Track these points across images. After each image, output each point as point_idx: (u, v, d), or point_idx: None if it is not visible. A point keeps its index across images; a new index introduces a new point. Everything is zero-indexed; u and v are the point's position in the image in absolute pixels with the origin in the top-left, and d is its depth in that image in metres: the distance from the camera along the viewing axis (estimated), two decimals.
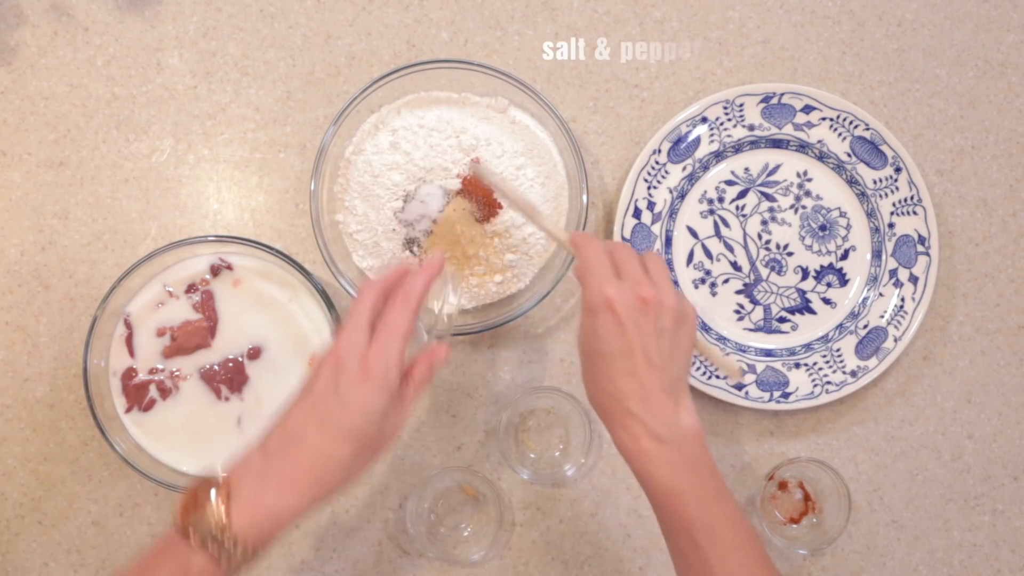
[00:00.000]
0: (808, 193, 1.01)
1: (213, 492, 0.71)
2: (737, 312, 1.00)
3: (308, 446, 0.73)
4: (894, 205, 1.00)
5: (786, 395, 0.98)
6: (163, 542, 0.72)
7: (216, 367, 0.94)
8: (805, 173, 1.01)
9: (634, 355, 0.76)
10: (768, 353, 1.00)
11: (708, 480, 0.76)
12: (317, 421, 0.73)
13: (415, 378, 0.78)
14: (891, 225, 1.00)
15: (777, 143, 1.01)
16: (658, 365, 0.77)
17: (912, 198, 1.00)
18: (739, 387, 0.98)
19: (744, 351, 1.00)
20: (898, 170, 0.99)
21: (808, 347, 1.00)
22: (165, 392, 0.93)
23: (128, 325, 0.93)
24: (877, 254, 1.01)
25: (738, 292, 1.00)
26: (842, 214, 1.01)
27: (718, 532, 0.75)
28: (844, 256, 1.01)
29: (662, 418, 0.76)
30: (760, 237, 1.01)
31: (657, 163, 0.99)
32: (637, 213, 0.99)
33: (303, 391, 0.75)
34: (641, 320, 0.77)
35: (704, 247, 1.00)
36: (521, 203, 0.88)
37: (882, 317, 1.00)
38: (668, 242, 1.00)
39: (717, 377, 0.98)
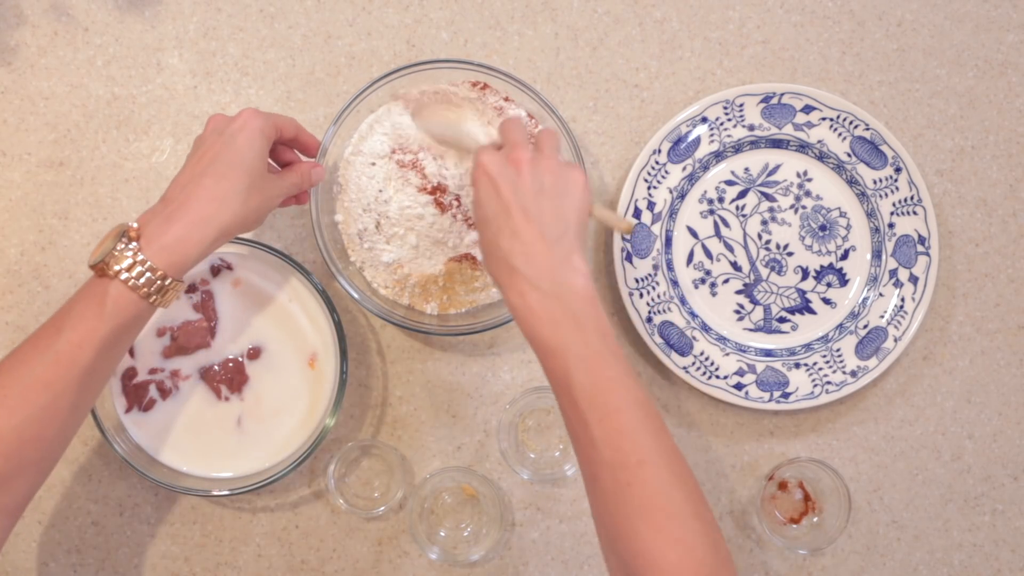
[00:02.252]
0: (808, 193, 1.01)
1: (123, 233, 0.77)
2: (737, 312, 1.00)
3: (205, 184, 0.79)
4: (894, 205, 1.00)
5: (786, 395, 0.98)
6: (81, 287, 0.78)
7: (216, 367, 0.94)
8: (805, 173, 1.01)
9: (511, 213, 0.77)
10: (768, 353, 1.00)
11: (594, 339, 0.75)
12: (209, 162, 0.80)
13: (293, 168, 0.87)
14: (891, 225, 1.00)
15: (777, 143, 1.01)
16: (537, 220, 0.77)
17: (912, 198, 1.00)
18: (739, 387, 0.98)
19: (744, 351, 1.00)
20: (898, 170, 0.99)
21: (808, 347, 1.00)
22: (165, 392, 0.93)
23: None
24: (877, 254, 1.01)
25: (738, 292, 1.00)
26: (842, 214, 1.01)
27: (598, 393, 0.73)
28: (844, 256, 1.01)
29: (544, 271, 0.76)
30: (760, 237, 1.01)
31: (657, 163, 0.99)
32: (637, 213, 0.99)
33: (191, 153, 0.83)
34: (516, 179, 0.79)
35: (704, 247, 1.00)
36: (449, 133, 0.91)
37: (882, 317, 1.00)
38: (668, 242, 1.00)
39: (717, 377, 0.98)
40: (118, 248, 0.76)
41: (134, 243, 0.76)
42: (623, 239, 0.98)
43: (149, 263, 0.76)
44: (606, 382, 0.74)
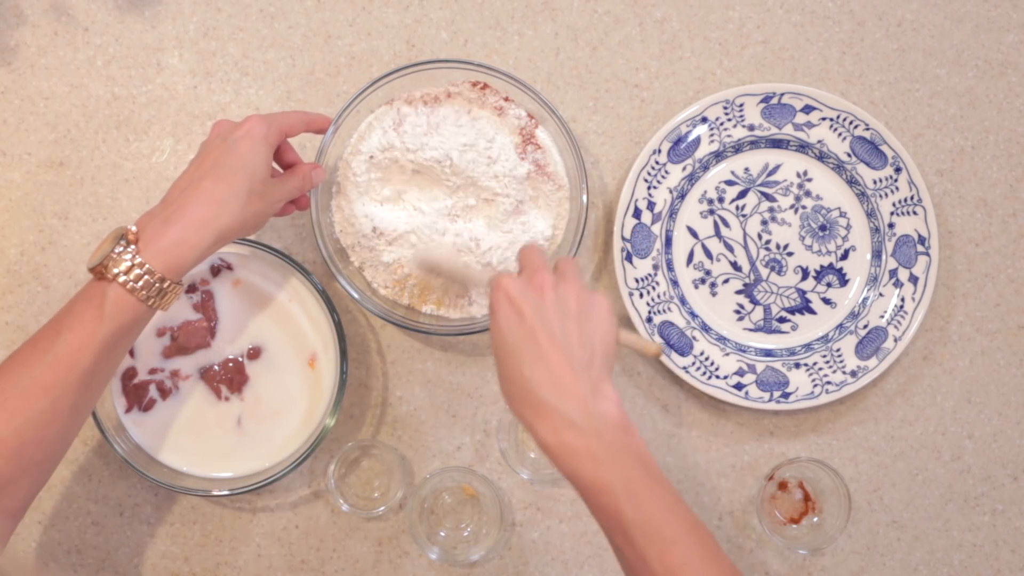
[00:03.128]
0: (808, 193, 1.01)
1: (122, 236, 0.77)
2: (737, 312, 1.00)
3: (204, 187, 0.79)
4: (894, 205, 1.00)
5: (786, 395, 0.98)
6: (80, 290, 0.78)
7: (216, 367, 0.94)
8: (805, 173, 1.01)
9: (536, 338, 0.73)
10: (768, 353, 1.00)
11: (636, 470, 0.72)
12: (210, 166, 0.80)
13: (294, 171, 0.87)
14: (891, 225, 1.00)
15: (777, 143, 1.01)
16: (564, 346, 0.73)
17: (912, 198, 1.00)
18: (739, 387, 0.98)
19: (744, 351, 1.00)
20: (898, 170, 0.99)
21: (808, 347, 1.00)
22: (165, 392, 0.93)
23: None
24: (877, 254, 1.01)
25: (738, 292, 1.00)
26: (842, 214, 1.01)
27: (653, 526, 0.70)
28: (844, 256, 1.01)
29: (576, 403, 0.72)
30: (760, 237, 1.01)
31: (657, 163, 0.99)
32: (637, 213, 0.99)
33: (194, 157, 0.83)
34: (539, 303, 0.75)
35: (704, 247, 1.00)
36: (458, 275, 0.90)
37: (882, 317, 1.00)
38: (668, 242, 1.00)
39: (717, 377, 0.98)
40: (116, 251, 0.76)
41: (132, 246, 0.76)
42: (623, 239, 0.98)
43: (147, 266, 0.76)
44: (659, 513, 0.71)
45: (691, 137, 1.00)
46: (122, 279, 0.76)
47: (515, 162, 0.94)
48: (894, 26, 1.04)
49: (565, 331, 0.74)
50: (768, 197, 1.01)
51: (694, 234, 1.01)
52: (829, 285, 1.01)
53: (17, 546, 0.96)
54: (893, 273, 1.00)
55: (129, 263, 0.76)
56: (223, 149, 0.81)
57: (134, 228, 0.78)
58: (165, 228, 0.77)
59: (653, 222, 1.00)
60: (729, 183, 1.01)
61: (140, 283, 0.76)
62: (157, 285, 0.76)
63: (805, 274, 1.01)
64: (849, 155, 1.00)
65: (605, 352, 0.75)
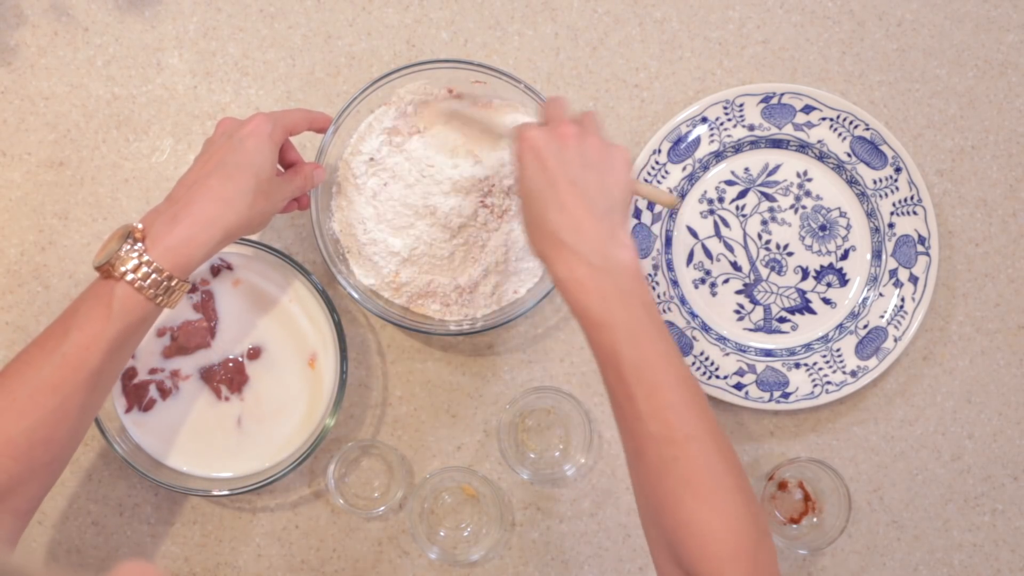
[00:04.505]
0: (808, 193, 1.01)
1: (128, 234, 0.76)
2: (737, 312, 1.00)
3: (211, 185, 0.79)
4: (894, 205, 1.00)
5: (786, 395, 0.98)
6: (87, 289, 0.78)
7: (216, 367, 0.94)
8: (805, 173, 1.01)
9: (559, 186, 0.77)
10: (768, 353, 1.00)
11: (641, 314, 0.75)
12: (216, 164, 0.80)
13: (297, 170, 0.87)
14: (891, 225, 1.00)
15: (777, 143, 1.01)
16: (584, 193, 0.77)
17: (912, 198, 1.00)
18: (739, 387, 0.98)
19: (744, 351, 1.00)
20: (898, 170, 0.99)
21: (808, 347, 1.00)
22: (165, 392, 0.93)
23: None
24: (877, 254, 1.01)
25: (738, 292, 1.00)
26: (842, 214, 1.01)
27: (646, 368, 0.74)
28: (844, 256, 1.01)
29: (594, 245, 0.76)
30: (760, 237, 1.01)
31: (657, 163, 0.99)
32: (637, 213, 0.99)
33: (199, 155, 0.83)
34: (562, 153, 0.78)
35: (704, 247, 1.01)
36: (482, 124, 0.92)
37: (882, 317, 1.00)
38: (668, 242, 1.00)
39: (717, 377, 0.98)
40: (123, 249, 0.76)
41: (139, 244, 0.76)
42: None
43: (155, 264, 0.76)
44: (654, 357, 0.74)
45: (691, 137, 1.00)
46: (130, 277, 0.75)
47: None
48: (894, 26, 1.04)
49: (586, 180, 0.77)
50: (768, 197, 1.01)
51: (694, 234, 1.01)
52: (829, 285, 1.01)
53: (17, 546, 0.96)
54: (893, 273, 1.00)
55: (136, 261, 0.76)
56: (229, 147, 0.81)
57: (140, 226, 0.78)
58: (172, 226, 0.77)
59: (653, 222, 1.00)
60: (729, 183, 1.01)
61: (148, 281, 0.76)
62: (165, 283, 0.76)
63: (805, 274, 1.01)
64: (849, 155, 1.00)
65: (624, 201, 0.79)
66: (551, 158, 0.78)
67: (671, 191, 0.99)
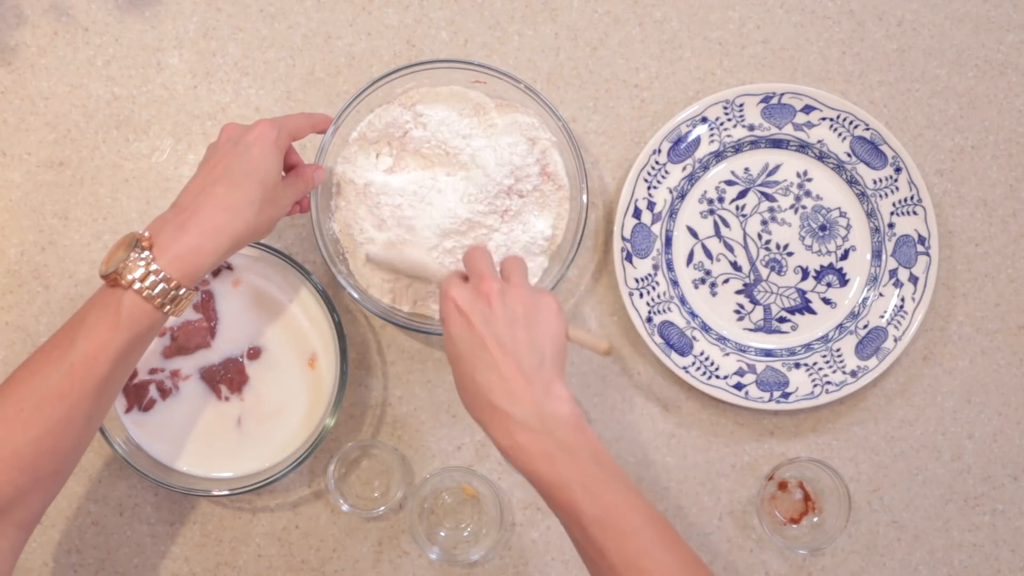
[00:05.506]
0: (808, 193, 1.01)
1: (135, 242, 0.76)
2: (737, 312, 1.00)
3: (217, 193, 0.79)
4: (894, 205, 1.00)
5: (786, 395, 0.98)
6: (93, 297, 0.77)
7: (216, 367, 0.94)
8: (805, 173, 1.01)
9: (487, 347, 0.76)
10: (768, 353, 1.00)
11: (591, 465, 0.73)
12: (222, 171, 0.80)
13: (298, 173, 0.87)
14: (891, 225, 1.00)
15: (777, 143, 1.01)
16: (513, 353, 0.75)
17: (912, 198, 1.00)
18: (739, 387, 0.98)
19: (744, 351, 1.00)
20: (898, 170, 0.99)
21: (808, 347, 1.00)
22: (165, 392, 0.93)
23: None
24: (877, 254, 1.01)
25: (738, 292, 1.00)
26: (842, 214, 1.01)
27: (610, 519, 0.72)
28: (844, 256, 1.01)
29: (528, 406, 0.74)
30: (760, 237, 1.01)
31: (657, 163, 0.99)
32: (637, 213, 0.99)
33: (204, 161, 0.83)
34: (487, 312, 0.77)
35: (704, 247, 1.00)
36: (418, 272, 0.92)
37: (882, 317, 1.00)
38: (668, 242, 1.00)
39: (717, 377, 0.98)
40: (131, 258, 0.75)
41: (147, 252, 0.76)
42: (623, 239, 0.98)
43: (163, 273, 0.75)
44: (614, 507, 0.72)
45: (691, 137, 1.00)
46: (137, 286, 0.75)
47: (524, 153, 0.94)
48: (894, 26, 1.04)
49: (514, 337, 0.76)
50: (768, 197, 1.01)
51: (694, 234, 1.01)
52: (829, 285, 1.01)
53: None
54: (893, 273, 1.00)
55: (144, 270, 0.75)
56: (235, 154, 0.81)
57: (147, 233, 0.77)
58: (180, 235, 0.77)
59: (653, 222, 1.00)
60: (729, 183, 1.01)
61: (156, 290, 0.75)
62: (173, 292, 0.76)
63: (805, 274, 1.01)
64: (849, 155, 1.00)
65: (555, 352, 0.78)
66: (476, 318, 0.76)
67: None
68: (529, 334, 0.77)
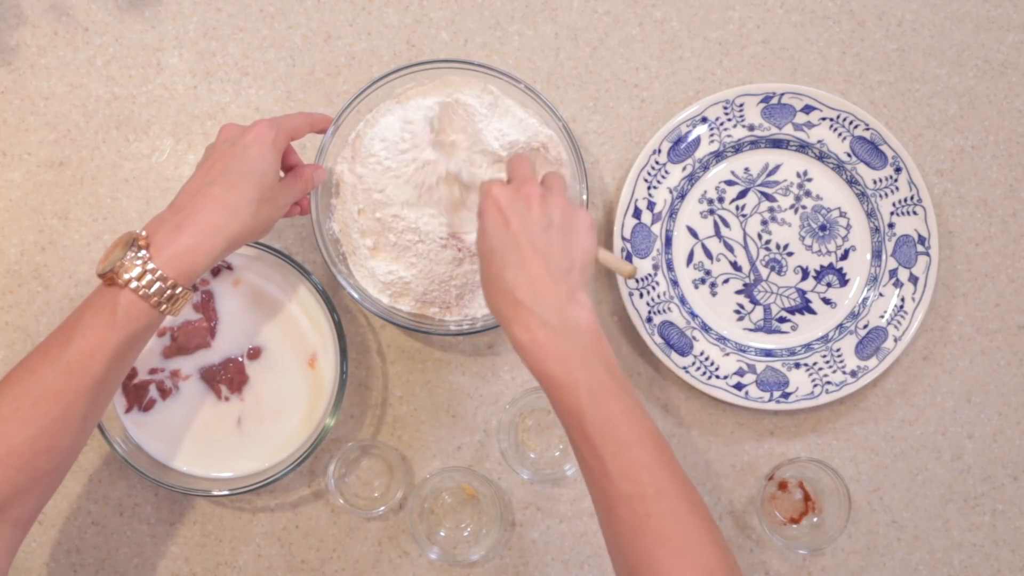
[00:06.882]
0: (808, 193, 1.01)
1: (132, 241, 0.76)
2: (737, 312, 1.00)
3: (215, 193, 0.79)
4: (894, 205, 1.00)
5: (786, 395, 0.98)
6: (90, 296, 0.77)
7: (216, 367, 0.94)
8: (805, 173, 1.01)
9: (520, 246, 0.77)
10: (768, 353, 1.00)
11: (602, 373, 0.75)
12: (220, 171, 0.80)
13: (297, 173, 0.87)
14: (891, 225, 1.00)
15: (777, 143, 1.01)
16: (545, 254, 0.77)
17: (912, 198, 1.00)
18: (739, 387, 0.98)
19: (744, 351, 1.00)
20: (898, 170, 0.99)
21: (808, 347, 1.00)
22: (165, 392, 0.93)
23: None
24: (877, 254, 1.01)
25: (738, 292, 1.00)
26: (842, 214, 1.01)
27: (611, 426, 0.73)
28: (844, 256, 1.01)
29: (551, 306, 0.75)
30: (760, 237, 1.01)
31: (657, 163, 0.99)
32: (637, 213, 0.99)
33: (201, 161, 0.83)
34: (525, 213, 0.78)
35: (704, 247, 1.01)
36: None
37: (882, 317, 1.00)
38: (668, 242, 1.00)
39: (717, 377, 0.98)
40: (127, 257, 0.75)
41: (143, 252, 0.76)
42: (623, 239, 0.98)
43: (160, 272, 0.75)
44: (618, 415, 0.74)
45: (691, 137, 1.00)
46: (134, 285, 0.75)
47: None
48: (894, 26, 1.04)
49: (547, 241, 0.78)
50: (768, 197, 1.01)
51: (694, 234, 1.01)
52: (829, 285, 1.01)
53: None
54: (893, 273, 1.00)
55: (141, 269, 0.75)
56: (232, 154, 0.81)
57: (144, 233, 0.77)
58: (177, 234, 0.77)
59: (653, 222, 1.00)
60: (729, 183, 1.01)
61: (153, 289, 0.75)
62: (169, 291, 0.76)
63: (805, 274, 1.01)
64: (849, 155, 1.00)
65: (584, 263, 0.79)
66: (514, 217, 0.78)
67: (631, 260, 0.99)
68: (562, 240, 0.78)
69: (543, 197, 0.80)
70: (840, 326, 1.00)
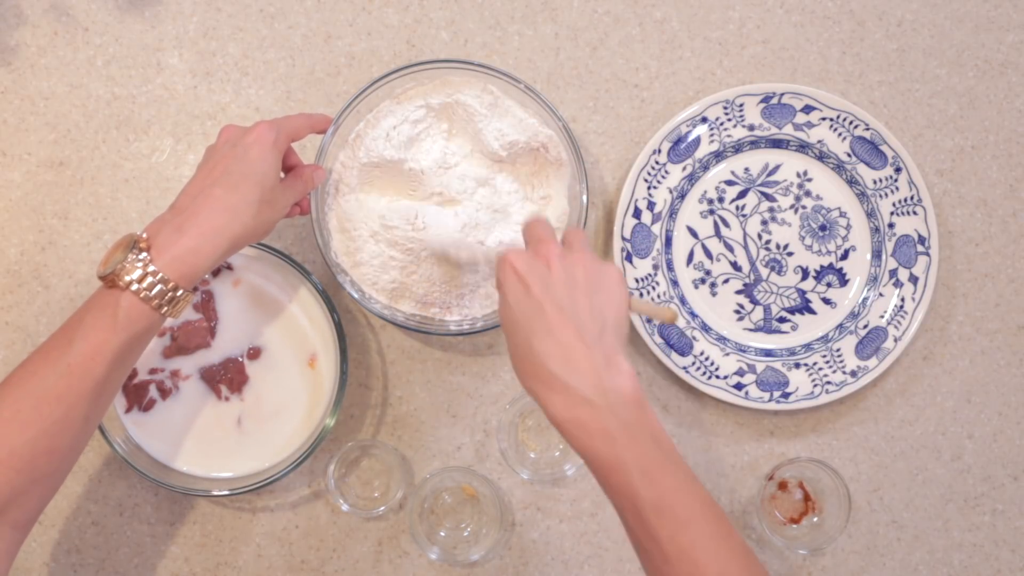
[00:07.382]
0: (808, 193, 1.01)
1: (133, 244, 0.76)
2: (737, 312, 1.00)
3: (216, 195, 0.79)
4: (894, 205, 1.00)
5: (786, 395, 0.98)
6: (90, 298, 0.77)
7: (216, 367, 0.94)
8: (805, 173, 1.01)
9: (544, 311, 0.71)
10: (768, 353, 1.00)
11: (650, 448, 0.70)
12: (221, 173, 0.80)
13: (297, 174, 0.87)
14: (891, 225, 1.00)
15: (777, 143, 1.01)
16: (573, 318, 0.71)
17: (912, 198, 1.00)
18: (739, 387, 0.98)
19: (744, 351, 1.00)
20: (898, 170, 0.99)
21: (808, 347, 1.00)
22: (165, 392, 0.93)
23: None
24: (877, 254, 1.01)
25: (738, 292, 1.00)
26: (842, 214, 1.01)
27: (666, 505, 0.68)
28: (844, 256, 1.01)
29: (588, 377, 0.70)
30: (760, 237, 1.01)
31: (657, 163, 0.99)
32: (637, 213, 0.99)
33: (202, 163, 0.83)
34: (546, 275, 0.73)
35: (704, 247, 1.01)
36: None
37: (882, 317, 1.00)
38: (668, 242, 1.00)
39: (717, 377, 0.98)
40: (128, 259, 0.75)
41: (144, 254, 0.76)
42: (623, 239, 0.98)
43: (161, 274, 0.75)
44: (672, 493, 0.69)
45: (691, 137, 1.00)
46: (135, 287, 0.75)
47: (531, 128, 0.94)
48: (894, 26, 1.04)
49: (574, 303, 0.72)
50: (768, 197, 1.01)
51: (694, 234, 1.01)
52: (829, 285, 1.01)
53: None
54: (893, 273, 1.00)
55: (142, 271, 0.75)
56: (233, 156, 0.81)
57: (144, 235, 0.77)
58: (178, 236, 0.77)
59: (653, 222, 1.00)
60: (729, 183, 1.01)
61: (154, 292, 0.75)
62: (170, 294, 0.76)
63: (805, 274, 1.01)
64: (849, 155, 1.00)
65: (617, 322, 0.74)
66: (534, 281, 0.73)
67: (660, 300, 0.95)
68: (590, 301, 0.73)
69: (563, 255, 0.74)
70: (840, 326, 1.00)
